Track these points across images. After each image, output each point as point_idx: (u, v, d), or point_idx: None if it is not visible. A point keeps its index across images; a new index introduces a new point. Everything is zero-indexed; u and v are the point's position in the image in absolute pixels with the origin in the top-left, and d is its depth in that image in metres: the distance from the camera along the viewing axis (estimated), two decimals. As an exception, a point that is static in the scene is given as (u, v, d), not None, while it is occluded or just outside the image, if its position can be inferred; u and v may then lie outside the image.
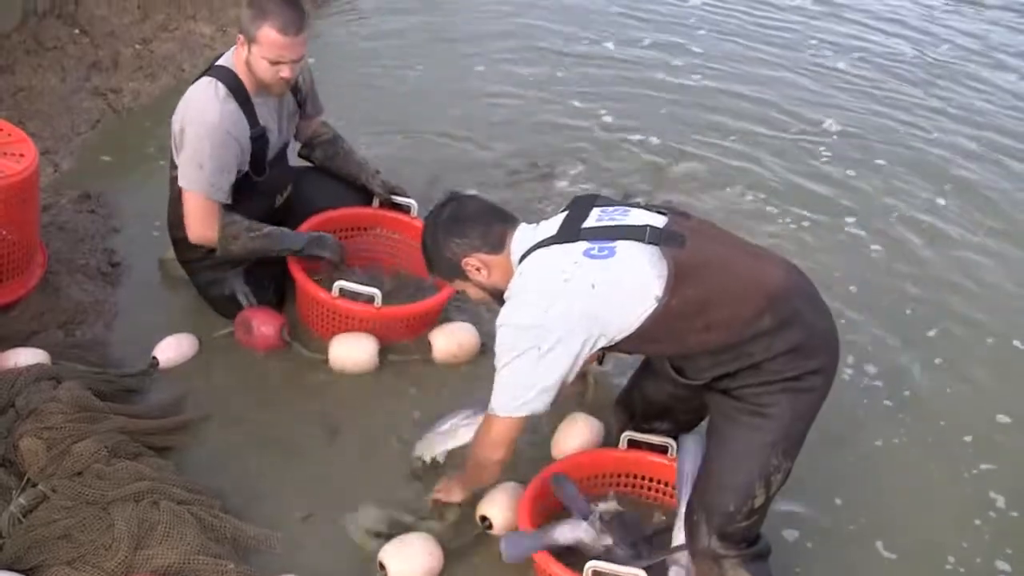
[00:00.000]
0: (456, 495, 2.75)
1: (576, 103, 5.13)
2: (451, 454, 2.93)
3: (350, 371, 3.25)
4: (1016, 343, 3.74)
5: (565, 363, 2.39)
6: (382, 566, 2.59)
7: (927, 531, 2.97)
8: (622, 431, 2.84)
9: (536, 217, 3.97)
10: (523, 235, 2.54)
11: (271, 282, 3.38)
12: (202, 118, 3.03)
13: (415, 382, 3.28)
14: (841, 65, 5.83)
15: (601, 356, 2.64)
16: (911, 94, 5.59)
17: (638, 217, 2.47)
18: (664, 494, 2.83)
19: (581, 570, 2.43)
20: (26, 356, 2.96)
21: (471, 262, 2.55)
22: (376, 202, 3.60)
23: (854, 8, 6.68)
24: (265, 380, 3.22)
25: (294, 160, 3.52)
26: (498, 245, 2.53)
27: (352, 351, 3.25)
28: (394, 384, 3.26)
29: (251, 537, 2.62)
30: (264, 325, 3.25)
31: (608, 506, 2.64)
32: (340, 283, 3.22)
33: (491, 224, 2.55)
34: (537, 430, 2.97)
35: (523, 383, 2.42)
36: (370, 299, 3.22)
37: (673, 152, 4.77)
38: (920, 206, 4.53)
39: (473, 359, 3.32)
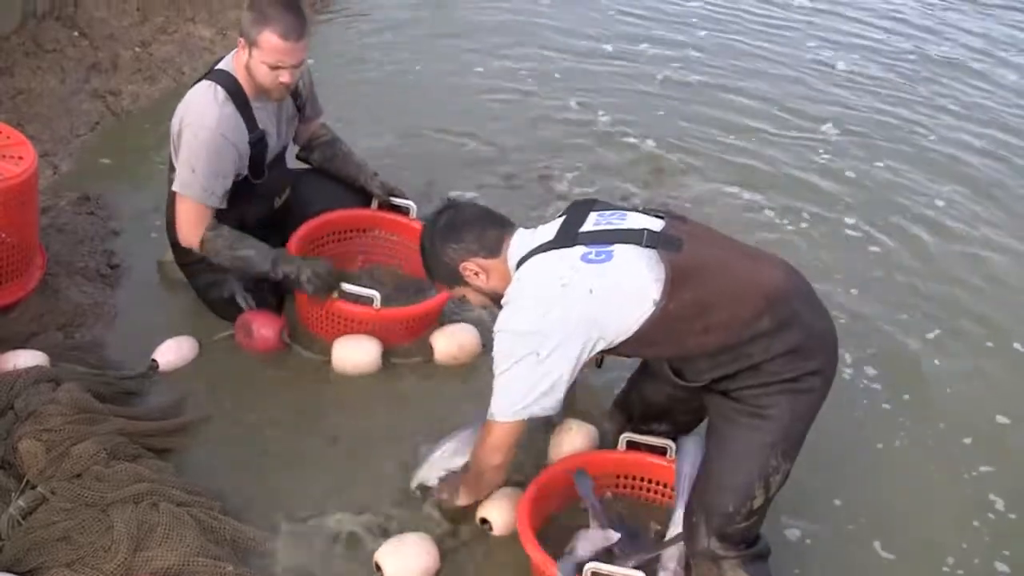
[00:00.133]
0: (460, 500, 2.75)
1: (575, 102, 5.14)
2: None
3: (351, 373, 3.25)
4: (1016, 345, 3.74)
5: (563, 367, 2.39)
6: (378, 566, 2.60)
7: (926, 532, 2.97)
8: (620, 433, 2.84)
9: (534, 217, 4.00)
10: (520, 239, 2.55)
11: (271, 285, 3.38)
12: (199, 121, 3.03)
13: (416, 384, 3.28)
14: (841, 63, 5.84)
15: (600, 359, 2.65)
16: (912, 92, 5.59)
17: (635, 221, 2.47)
18: (663, 495, 2.83)
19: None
20: (25, 358, 2.96)
21: (469, 266, 2.56)
22: (375, 204, 3.60)
23: (855, 6, 6.69)
24: (265, 383, 3.21)
25: (292, 162, 3.53)
26: (495, 249, 2.54)
27: (354, 353, 3.25)
28: (395, 386, 3.26)
29: (250, 539, 2.62)
30: (264, 328, 3.25)
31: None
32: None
33: (487, 228, 2.56)
34: (535, 436, 2.97)
35: (521, 388, 2.42)
36: (369, 301, 3.23)
37: (672, 151, 4.77)
38: (920, 206, 4.54)
39: (474, 360, 3.32)
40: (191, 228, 3.13)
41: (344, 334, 3.28)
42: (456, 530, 2.76)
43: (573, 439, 2.95)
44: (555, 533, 2.67)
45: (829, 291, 3.71)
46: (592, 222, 2.49)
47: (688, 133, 4.95)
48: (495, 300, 2.57)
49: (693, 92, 5.36)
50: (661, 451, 2.81)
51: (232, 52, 3.14)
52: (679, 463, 2.70)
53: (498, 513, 2.71)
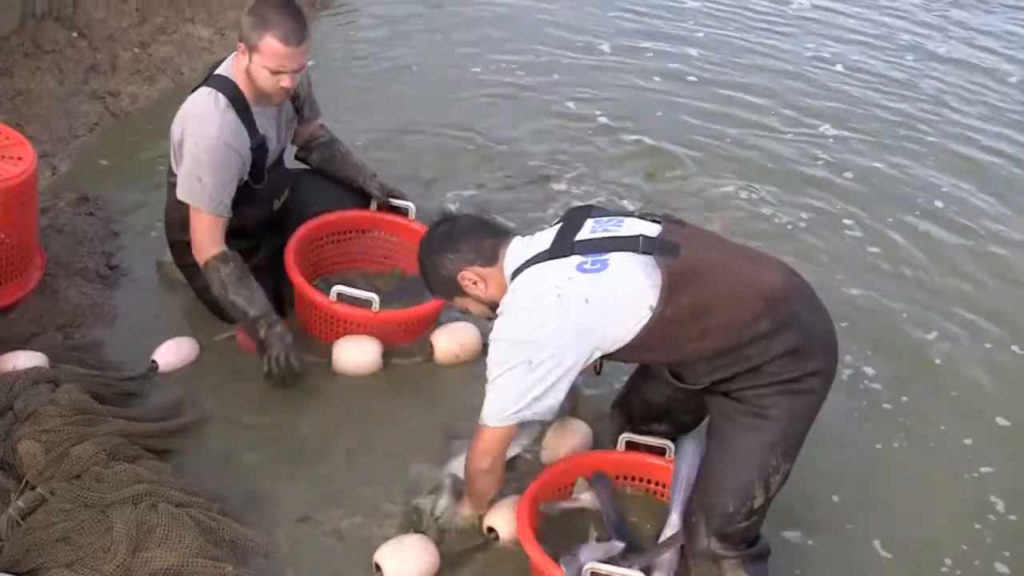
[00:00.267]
0: (464, 509, 2.76)
1: (574, 100, 5.14)
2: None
3: (352, 374, 3.25)
4: (1015, 347, 3.74)
5: (557, 374, 2.41)
6: (378, 567, 2.60)
7: (926, 532, 2.97)
8: (620, 433, 2.84)
9: (533, 217, 4.00)
10: (516, 248, 2.56)
11: (269, 286, 3.37)
12: (202, 131, 3.01)
13: (417, 384, 3.28)
14: (841, 64, 5.83)
15: (599, 366, 2.66)
16: (914, 88, 5.59)
17: (631, 227, 2.48)
18: (664, 496, 2.82)
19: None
20: (24, 359, 2.96)
21: (467, 275, 2.57)
22: (374, 205, 3.60)
23: (855, 5, 6.68)
24: (265, 384, 3.21)
25: (290, 162, 3.52)
26: (492, 258, 2.56)
27: (355, 354, 3.25)
28: (396, 386, 3.26)
29: (250, 540, 2.62)
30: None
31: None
32: (338, 287, 3.22)
33: (483, 237, 2.58)
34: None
35: (512, 394, 2.44)
36: (368, 303, 3.23)
37: (671, 149, 4.77)
38: (921, 206, 4.53)
39: (475, 359, 3.31)
40: (209, 241, 3.08)
41: (344, 336, 3.28)
42: (456, 531, 2.75)
43: (570, 437, 2.95)
44: (555, 533, 2.67)
45: (829, 291, 3.69)
46: (588, 229, 2.49)
47: (687, 131, 4.95)
48: (494, 309, 2.58)
49: (692, 89, 5.36)
50: (660, 451, 2.81)
51: (230, 56, 3.12)
52: (677, 466, 2.70)
53: (504, 522, 2.70)
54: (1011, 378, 3.59)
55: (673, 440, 2.81)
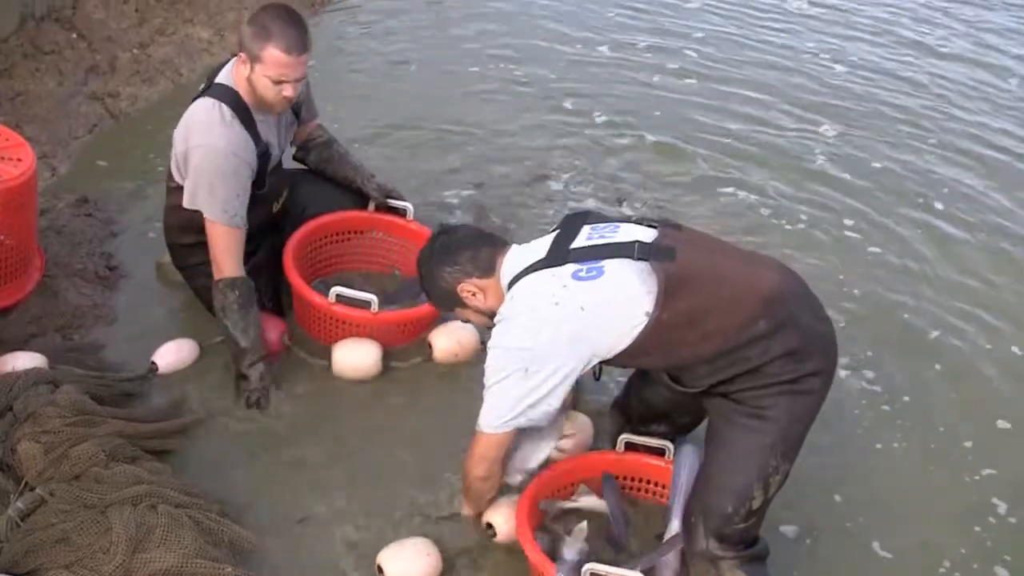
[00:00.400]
0: (463, 509, 2.80)
1: (572, 99, 5.13)
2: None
3: (351, 376, 3.26)
4: (1015, 349, 3.74)
5: (553, 382, 2.42)
6: (380, 569, 2.60)
7: (925, 533, 2.97)
8: (619, 434, 2.85)
9: (531, 218, 3.99)
10: (513, 256, 2.57)
11: (268, 287, 3.38)
12: (210, 144, 2.99)
13: (416, 385, 3.29)
14: (840, 65, 5.82)
15: (597, 371, 2.67)
16: (911, 93, 5.58)
17: (627, 233, 2.49)
18: (663, 497, 2.83)
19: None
20: (24, 360, 2.96)
21: (466, 287, 2.59)
22: (372, 205, 3.60)
23: (854, 7, 6.68)
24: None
25: (288, 163, 3.52)
26: (489, 269, 2.57)
27: (354, 355, 3.26)
28: (395, 387, 3.27)
29: (249, 541, 2.62)
30: (266, 330, 3.24)
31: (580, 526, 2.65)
32: (337, 289, 3.23)
33: (480, 248, 2.59)
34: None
35: (508, 401, 2.45)
36: (367, 304, 3.23)
37: (669, 149, 4.77)
38: (921, 206, 4.53)
39: (474, 358, 3.31)
40: (227, 258, 3.08)
41: (343, 337, 3.28)
42: (457, 532, 2.76)
43: (570, 430, 2.94)
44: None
45: (829, 292, 3.70)
46: (584, 236, 2.50)
47: (687, 128, 4.95)
48: (493, 318, 2.59)
49: (692, 87, 5.36)
50: (660, 452, 2.81)
51: (229, 63, 3.11)
52: (675, 474, 2.70)
53: (502, 519, 2.71)
54: (1011, 380, 3.58)
55: (672, 441, 2.82)
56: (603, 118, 4.99)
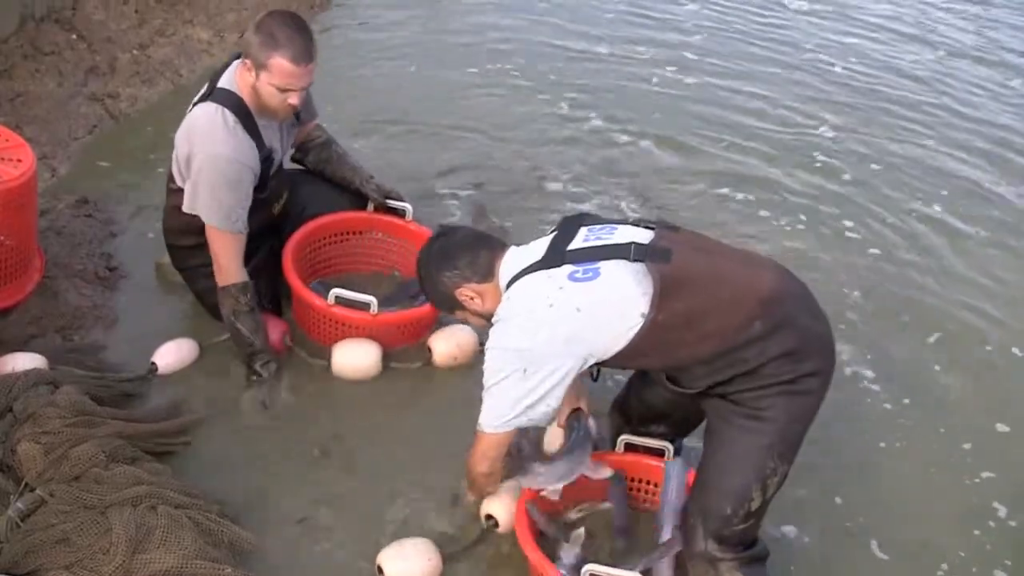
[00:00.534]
0: (469, 497, 2.81)
1: (570, 101, 5.15)
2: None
3: (351, 377, 3.26)
4: (1016, 350, 3.74)
5: (550, 383, 2.42)
6: (380, 569, 2.60)
7: (924, 534, 2.98)
8: (618, 435, 2.85)
9: (530, 218, 3.99)
10: (511, 258, 2.57)
11: (268, 289, 3.38)
12: (214, 150, 2.99)
13: (416, 386, 3.29)
14: (839, 64, 5.84)
15: (595, 373, 2.68)
16: (910, 92, 5.60)
17: (624, 235, 2.49)
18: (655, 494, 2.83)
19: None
20: (24, 361, 2.96)
21: (464, 292, 2.59)
22: (371, 206, 3.60)
23: (854, 7, 6.68)
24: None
25: (286, 164, 3.52)
26: (488, 272, 2.58)
27: (355, 357, 3.26)
28: (395, 389, 3.27)
29: (249, 541, 2.62)
30: (268, 331, 3.24)
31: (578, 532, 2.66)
32: (336, 290, 3.23)
33: (478, 252, 2.59)
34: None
35: (507, 402, 2.46)
36: (366, 306, 3.23)
37: (667, 151, 4.77)
38: (921, 207, 4.53)
39: (473, 361, 3.32)
40: (231, 264, 3.09)
41: (342, 339, 3.29)
42: (457, 533, 2.77)
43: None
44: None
45: (826, 294, 3.67)
46: (581, 238, 2.51)
47: (684, 132, 4.95)
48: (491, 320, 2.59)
49: (689, 91, 5.36)
50: (659, 453, 2.81)
51: (231, 67, 3.09)
52: (664, 491, 2.71)
53: (503, 509, 2.73)
54: (1011, 382, 3.59)
55: (672, 441, 2.82)
56: (602, 118, 5.00)
